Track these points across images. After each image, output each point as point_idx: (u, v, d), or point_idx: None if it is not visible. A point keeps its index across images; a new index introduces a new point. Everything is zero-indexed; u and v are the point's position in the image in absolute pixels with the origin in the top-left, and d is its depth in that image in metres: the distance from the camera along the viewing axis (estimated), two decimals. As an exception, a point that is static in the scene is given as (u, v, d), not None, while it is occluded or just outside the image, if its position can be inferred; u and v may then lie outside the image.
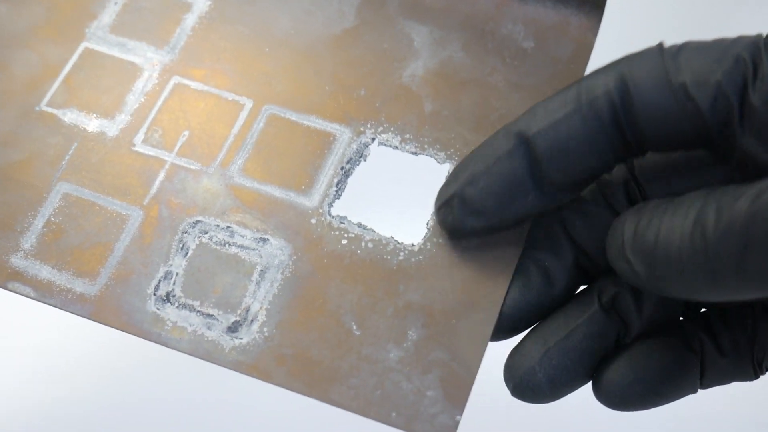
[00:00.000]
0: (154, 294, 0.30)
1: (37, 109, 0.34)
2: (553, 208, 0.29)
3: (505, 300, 0.29)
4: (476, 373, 0.28)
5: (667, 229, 0.25)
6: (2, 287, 0.30)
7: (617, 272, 0.28)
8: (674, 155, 0.29)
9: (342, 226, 0.31)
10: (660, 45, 0.27)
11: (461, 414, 0.28)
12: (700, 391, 0.30)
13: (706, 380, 0.29)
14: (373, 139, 0.33)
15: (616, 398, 0.29)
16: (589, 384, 0.30)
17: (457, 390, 0.28)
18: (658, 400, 0.29)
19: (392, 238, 0.31)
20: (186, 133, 0.33)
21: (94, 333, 0.51)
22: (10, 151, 0.33)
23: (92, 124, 0.33)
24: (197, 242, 0.31)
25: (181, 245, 0.31)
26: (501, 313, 0.29)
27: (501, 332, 0.30)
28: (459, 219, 0.29)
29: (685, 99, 0.26)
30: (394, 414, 0.28)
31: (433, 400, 0.28)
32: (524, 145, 0.28)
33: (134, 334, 0.30)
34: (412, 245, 0.31)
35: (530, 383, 0.29)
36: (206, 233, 0.31)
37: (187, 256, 0.31)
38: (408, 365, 0.29)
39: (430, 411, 0.28)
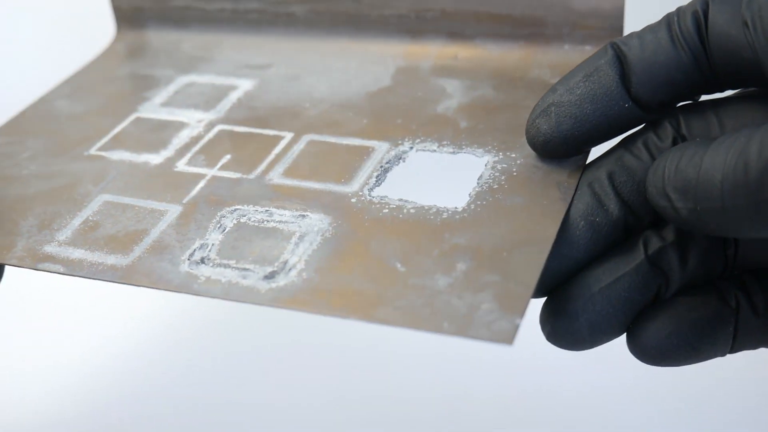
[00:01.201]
0: (189, 259, 0.29)
1: (86, 153, 0.35)
2: (648, 120, 0.29)
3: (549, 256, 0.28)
4: (533, 288, 0.26)
5: (709, 163, 0.25)
6: (33, 268, 0.29)
7: (658, 211, 0.27)
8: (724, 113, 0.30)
9: (383, 201, 0.30)
10: None
11: (521, 318, 0.25)
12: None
13: (737, 342, 0.28)
14: (411, 148, 0.33)
15: (651, 350, 0.28)
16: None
17: (513, 302, 0.25)
18: (693, 354, 0.28)
19: (434, 205, 0.30)
20: (228, 156, 0.34)
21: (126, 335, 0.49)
22: (56, 179, 0.33)
23: (139, 158, 0.34)
24: (235, 222, 0.30)
25: (218, 225, 0.30)
26: (545, 269, 0.27)
27: (544, 288, 0.28)
28: (555, 124, 0.29)
29: (744, 29, 0.27)
30: (446, 324, 0.25)
31: (489, 311, 0.25)
32: (618, 57, 0.29)
33: (164, 289, 0.28)
34: (456, 208, 0.29)
35: (570, 328, 0.28)
36: (245, 216, 0.30)
37: (225, 232, 0.30)
38: (458, 288, 0.26)
39: (486, 319, 0.25)
